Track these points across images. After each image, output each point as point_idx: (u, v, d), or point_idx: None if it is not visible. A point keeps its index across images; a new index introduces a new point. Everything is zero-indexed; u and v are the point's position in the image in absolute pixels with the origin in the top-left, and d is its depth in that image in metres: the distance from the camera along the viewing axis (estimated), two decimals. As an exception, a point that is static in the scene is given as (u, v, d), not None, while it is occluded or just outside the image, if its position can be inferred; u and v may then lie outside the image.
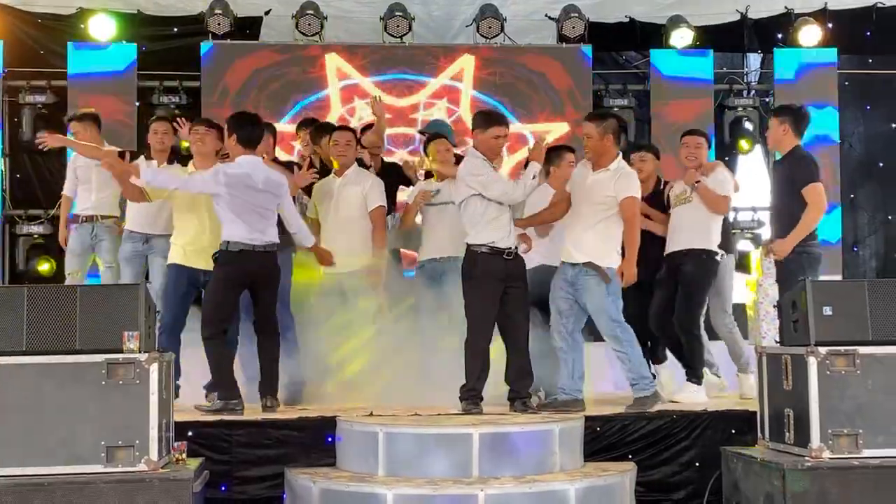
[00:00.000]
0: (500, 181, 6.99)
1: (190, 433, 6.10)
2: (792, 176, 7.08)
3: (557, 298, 7.04)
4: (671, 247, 7.69)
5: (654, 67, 11.21)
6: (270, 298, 7.09)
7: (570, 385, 6.98)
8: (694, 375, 7.56)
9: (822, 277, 8.00)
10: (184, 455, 5.75)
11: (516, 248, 6.98)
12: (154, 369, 5.33)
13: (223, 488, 6.16)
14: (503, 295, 6.90)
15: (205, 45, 10.74)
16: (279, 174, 7.19)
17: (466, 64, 11.10)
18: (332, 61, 10.96)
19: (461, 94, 11.08)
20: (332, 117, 10.59)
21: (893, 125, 11.73)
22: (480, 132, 7.02)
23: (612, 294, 6.90)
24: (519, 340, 6.99)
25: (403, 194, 8.68)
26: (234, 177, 6.84)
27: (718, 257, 7.60)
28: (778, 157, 7.46)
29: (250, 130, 7.03)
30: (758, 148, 11.50)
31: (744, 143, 11.34)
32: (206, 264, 7.13)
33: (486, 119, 7.15)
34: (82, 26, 10.74)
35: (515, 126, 10.23)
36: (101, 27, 10.63)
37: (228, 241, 6.83)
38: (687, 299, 7.55)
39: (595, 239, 6.93)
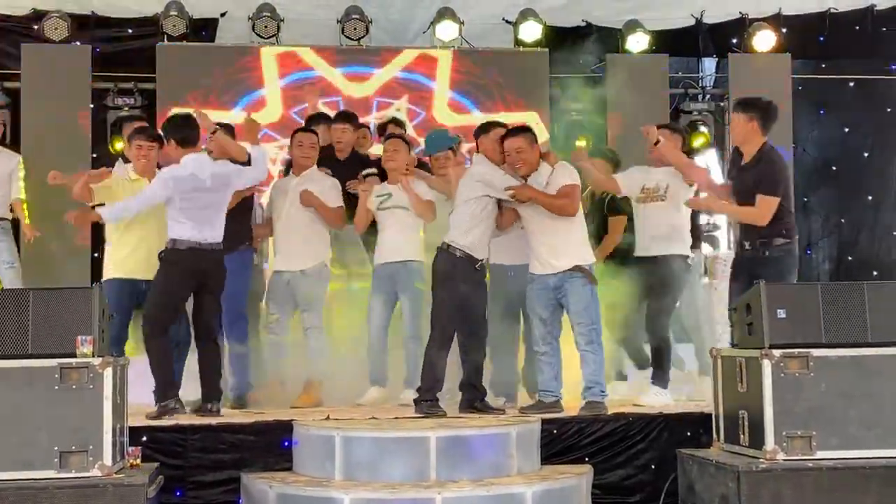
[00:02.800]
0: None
1: (144, 438, 6.06)
2: (759, 179, 6.76)
3: (538, 308, 7.05)
4: (646, 251, 7.56)
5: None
6: (213, 303, 7.01)
7: (555, 386, 7.01)
8: (661, 379, 7.49)
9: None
10: (138, 460, 5.73)
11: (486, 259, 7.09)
12: (108, 374, 5.29)
13: (178, 493, 6.12)
14: (466, 302, 6.95)
15: (160, 47, 10.66)
16: (225, 165, 7.03)
17: (442, 62, 11.05)
18: (270, 59, 10.83)
19: (434, 94, 11.03)
20: (272, 116, 10.67)
21: (846, 129, 11.84)
22: (485, 137, 7.17)
23: (594, 295, 6.99)
24: (483, 343, 7.08)
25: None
26: (182, 179, 6.78)
27: (690, 260, 7.61)
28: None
29: (186, 131, 6.94)
30: (713, 151, 11.59)
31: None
32: (149, 273, 7.02)
33: (488, 124, 7.39)
34: (36, 27, 10.62)
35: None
36: (55, 28, 10.52)
37: (176, 240, 6.76)
38: (659, 303, 7.51)
39: (575, 242, 7.00)
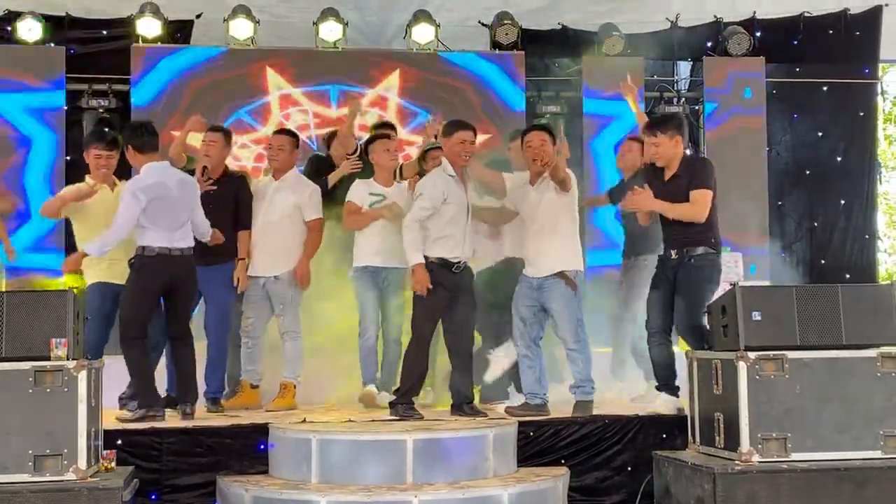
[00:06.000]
0: (416, 208, 6.90)
1: (119, 441, 6.03)
2: (692, 178, 6.59)
3: (520, 306, 7.08)
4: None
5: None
6: (185, 306, 6.99)
7: (539, 389, 7.02)
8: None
9: (750, 283, 8.13)
10: (113, 463, 5.70)
11: (465, 261, 7.00)
12: (82, 377, 5.27)
13: (153, 497, 6.09)
14: (450, 306, 6.93)
15: (135, 49, 10.62)
16: (189, 176, 7.07)
17: (395, 72, 11.11)
18: (272, 73, 10.91)
19: (388, 102, 11.07)
20: (271, 125, 10.59)
21: (820, 133, 11.91)
22: (446, 140, 7.05)
23: (576, 297, 7.00)
24: (466, 349, 7.06)
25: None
26: (149, 188, 6.70)
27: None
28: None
29: (145, 138, 6.85)
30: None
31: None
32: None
33: (452, 125, 7.16)
34: (9, 28, 10.56)
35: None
36: (29, 29, 10.46)
37: (145, 247, 6.71)
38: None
39: (563, 248, 7.01)
